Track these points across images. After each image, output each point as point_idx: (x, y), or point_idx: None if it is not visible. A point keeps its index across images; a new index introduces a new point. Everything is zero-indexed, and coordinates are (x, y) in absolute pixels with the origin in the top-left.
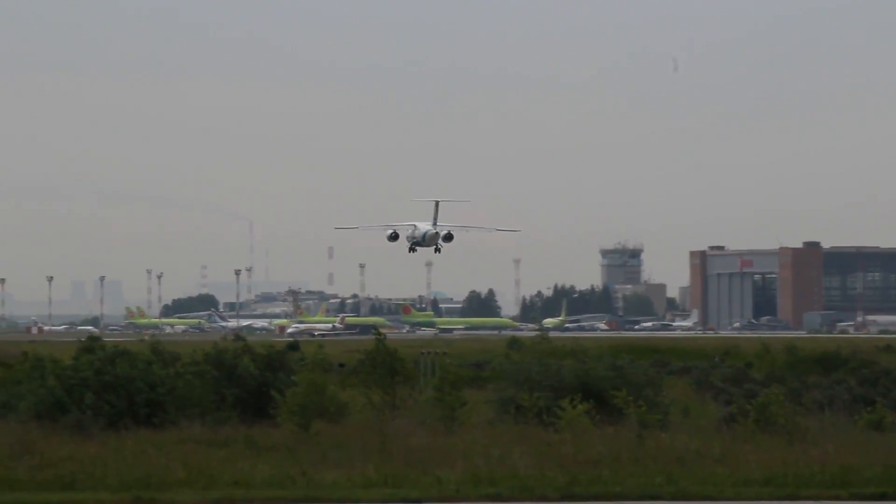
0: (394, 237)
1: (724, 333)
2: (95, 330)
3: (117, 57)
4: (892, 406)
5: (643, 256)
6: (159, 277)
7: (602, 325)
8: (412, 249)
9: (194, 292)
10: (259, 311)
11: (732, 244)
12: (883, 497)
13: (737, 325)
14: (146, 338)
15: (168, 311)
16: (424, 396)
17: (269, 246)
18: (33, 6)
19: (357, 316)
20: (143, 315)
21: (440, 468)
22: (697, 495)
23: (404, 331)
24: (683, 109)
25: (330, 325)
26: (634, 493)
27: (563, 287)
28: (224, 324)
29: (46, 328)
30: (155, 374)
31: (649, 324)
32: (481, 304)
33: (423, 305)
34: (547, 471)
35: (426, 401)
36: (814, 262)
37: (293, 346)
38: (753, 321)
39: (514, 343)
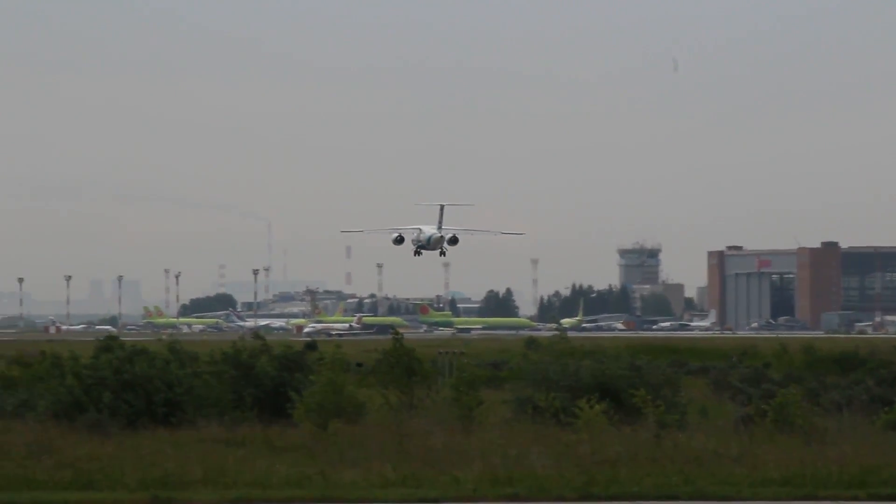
0: (399, 241)
1: (741, 333)
2: (113, 329)
3: (137, 59)
4: None
5: (661, 256)
6: (177, 277)
7: (619, 325)
8: (417, 253)
9: (212, 292)
10: (277, 311)
11: (750, 244)
12: None
13: (754, 325)
14: (164, 337)
15: (186, 310)
16: (442, 396)
17: (287, 245)
18: (62, 9)
19: (375, 316)
20: (160, 314)
21: (458, 468)
22: (715, 495)
23: (422, 330)
24: (699, 108)
25: (347, 325)
26: (652, 493)
27: (580, 287)
28: (241, 323)
29: (64, 328)
30: (173, 373)
31: (667, 324)
32: (499, 303)
33: (441, 305)
34: (564, 471)
35: (443, 400)
36: (832, 262)
37: (311, 346)
38: (771, 321)
39: (532, 343)
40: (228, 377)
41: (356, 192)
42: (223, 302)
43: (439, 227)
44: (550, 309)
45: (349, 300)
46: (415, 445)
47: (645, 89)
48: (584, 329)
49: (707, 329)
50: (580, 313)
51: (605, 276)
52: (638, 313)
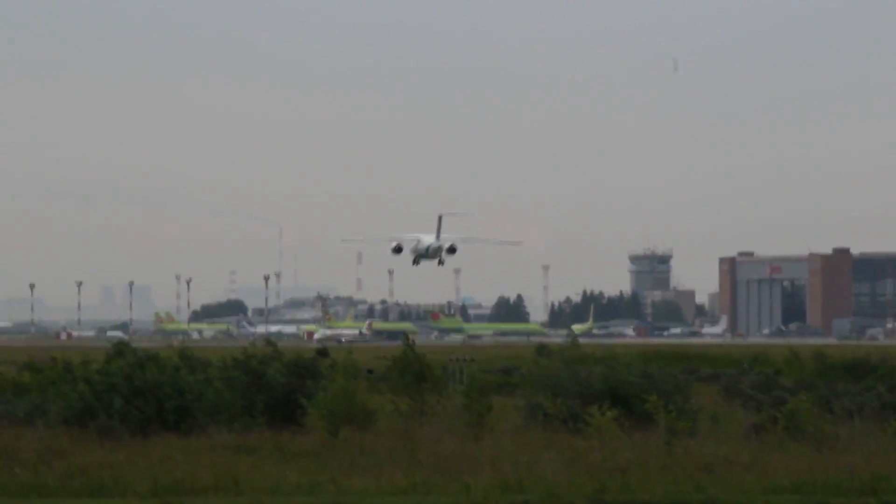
0: (398, 250)
1: (753, 340)
2: (124, 335)
3: (145, 64)
4: None
5: (672, 262)
6: (188, 283)
7: (630, 332)
8: (416, 262)
9: (223, 298)
10: (288, 317)
11: (761, 250)
12: None
13: (766, 331)
14: (175, 343)
15: (197, 316)
16: (453, 403)
17: (298, 251)
18: (69, 15)
19: (385, 322)
20: (171, 320)
21: (468, 475)
22: (726, 502)
23: (433, 337)
24: (709, 113)
25: (357, 331)
26: (663, 500)
27: (591, 293)
28: (252, 329)
29: (75, 333)
30: (183, 379)
31: (678, 330)
32: (510, 309)
33: (452, 311)
34: (575, 477)
35: (454, 407)
36: (843, 268)
37: (323, 353)
38: (782, 328)
39: (543, 349)
40: (239, 383)
41: (366, 198)
42: (234, 308)
43: (437, 237)
44: (561, 315)
45: (360, 306)
46: (425, 452)
47: (651, 91)
48: (595, 336)
49: (718, 336)
50: (591, 319)
51: (615, 282)
52: (649, 320)
